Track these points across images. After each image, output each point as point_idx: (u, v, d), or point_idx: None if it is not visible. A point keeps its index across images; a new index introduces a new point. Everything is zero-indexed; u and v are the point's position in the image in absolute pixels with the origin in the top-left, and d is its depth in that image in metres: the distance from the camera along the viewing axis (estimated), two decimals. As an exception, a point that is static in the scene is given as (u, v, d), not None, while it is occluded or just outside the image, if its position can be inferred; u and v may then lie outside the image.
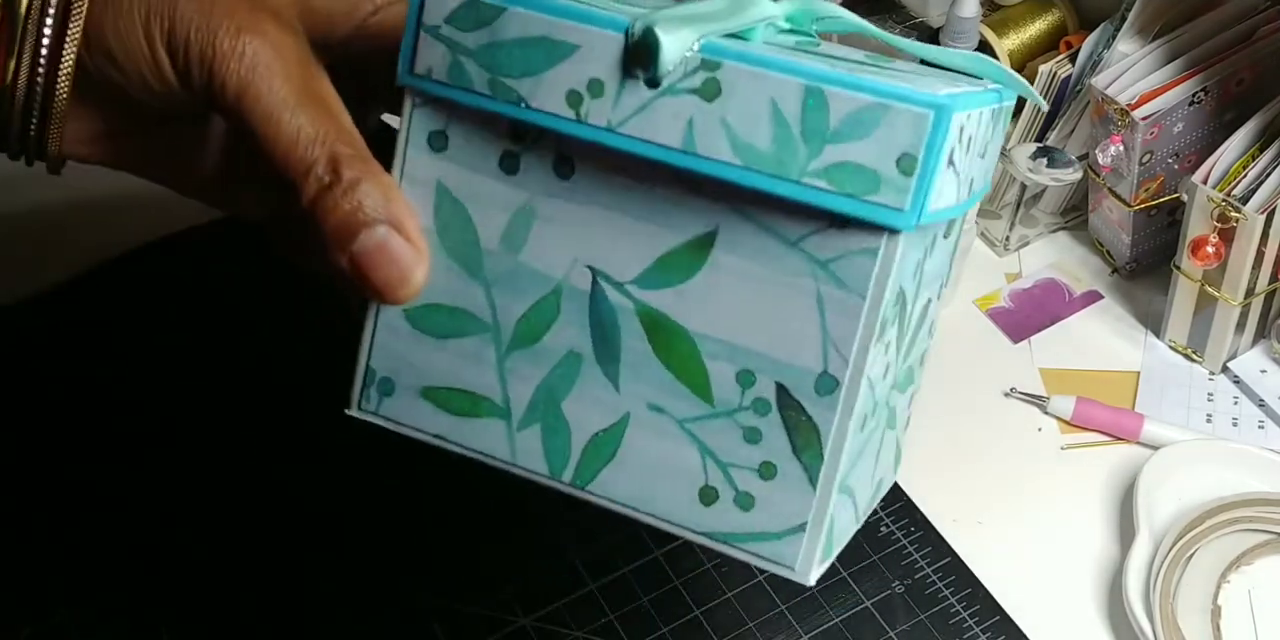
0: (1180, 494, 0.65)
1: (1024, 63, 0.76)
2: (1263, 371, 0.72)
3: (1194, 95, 0.67)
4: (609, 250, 0.37)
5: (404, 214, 0.37)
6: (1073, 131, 0.72)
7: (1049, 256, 0.78)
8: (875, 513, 0.66)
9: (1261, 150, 0.65)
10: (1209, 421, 0.70)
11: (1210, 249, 0.66)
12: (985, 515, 0.67)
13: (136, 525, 0.64)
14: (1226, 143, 0.66)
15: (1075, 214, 0.79)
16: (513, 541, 0.64)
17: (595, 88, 0.35)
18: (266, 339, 0.71)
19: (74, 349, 0.71)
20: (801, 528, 0.36)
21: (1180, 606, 0.61)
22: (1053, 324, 0.75)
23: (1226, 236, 0.65)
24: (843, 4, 0.80)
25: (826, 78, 0.33)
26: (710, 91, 0.34)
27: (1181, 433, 0.69)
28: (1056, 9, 0.77)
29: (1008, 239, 0.77)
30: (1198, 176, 0.65)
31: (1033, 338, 0.74)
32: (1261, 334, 0.73)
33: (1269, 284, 0.68)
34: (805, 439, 0.35)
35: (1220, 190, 0.64)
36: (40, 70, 0.36)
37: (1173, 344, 0.73)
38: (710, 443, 0.37)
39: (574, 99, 0.35)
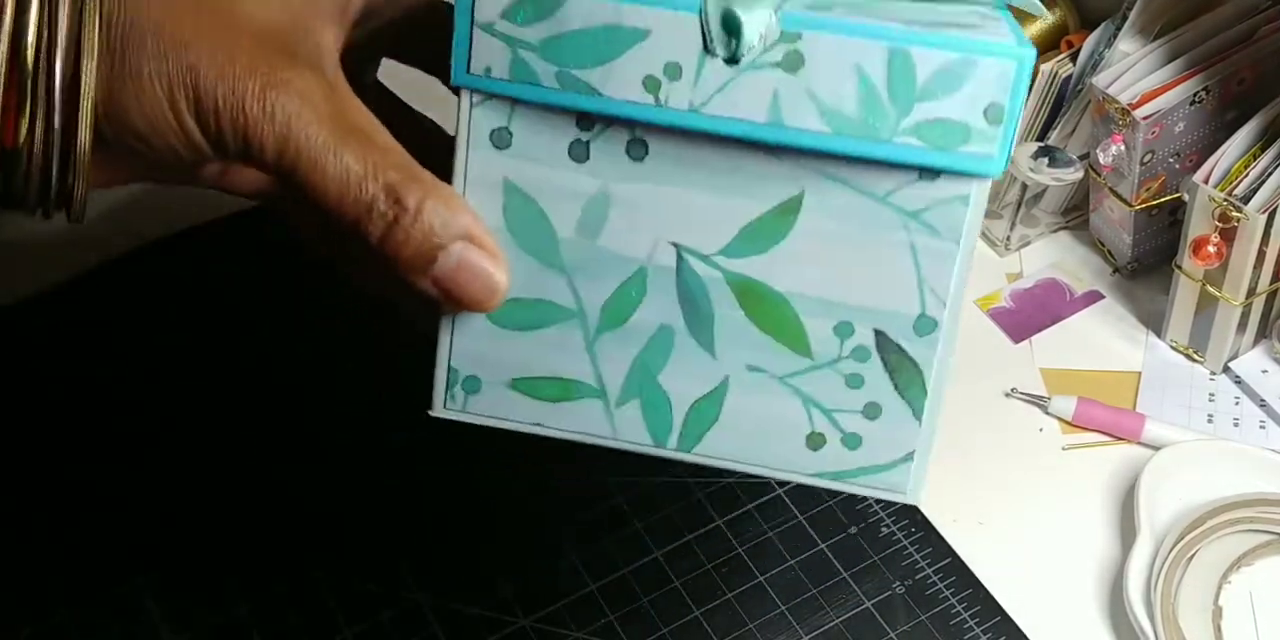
0: (1181, 494, 0.65)
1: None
2: (1264, 371, 0.72)
3: (1195, 95, 0.67)
4: (691, 225, 0.37)
5: (474, 224, 0.36)
6: (1074, 131, 0.72)
7: (1050, 256, 0.78)
8: (875, 513, 0.66)
9: (1263, 150, 0.65)
10: (1210, 422, 0.70)
11: (1211, 249, 0.66)
12: (986, 515, 0.67)
13: (136, 525, 0.64)
14: (1228, 142, 0.66)
15: (1076, 214, 0.79)
16: (513, 541, 0.64)
17: (672, 70, 0.35)
18: (266, 339, 0.71)
19: (74, 349, 0.71)
20: (909, 456, 0.39)
21: (1181, 607, 0.61)
22: (1054, 324, 0.75)
23: (1228, 236, 0.65)
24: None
25: (908, 38, 0.34)
26: (793, 63, 0.35)
27: (1183, 433, 0.68)
28: (1057, 8, 0.77)
29: (1008, 239, 0.77)
30: (1199, 176, 0.65)
31: (1034, 338, 0.74)
32: (1263, 334, 0.72)
33: (1270, 284, 0.68)
34: (907, 377, 0.38)
35: (1222, 190, 0.64)
36: (57, 122, 0.35)
37: (1174, 344, 0.73)
38: (813, 393, 0.38)
39: (651, 84, 0.35)
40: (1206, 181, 0.65)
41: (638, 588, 0.63)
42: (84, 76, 0.34)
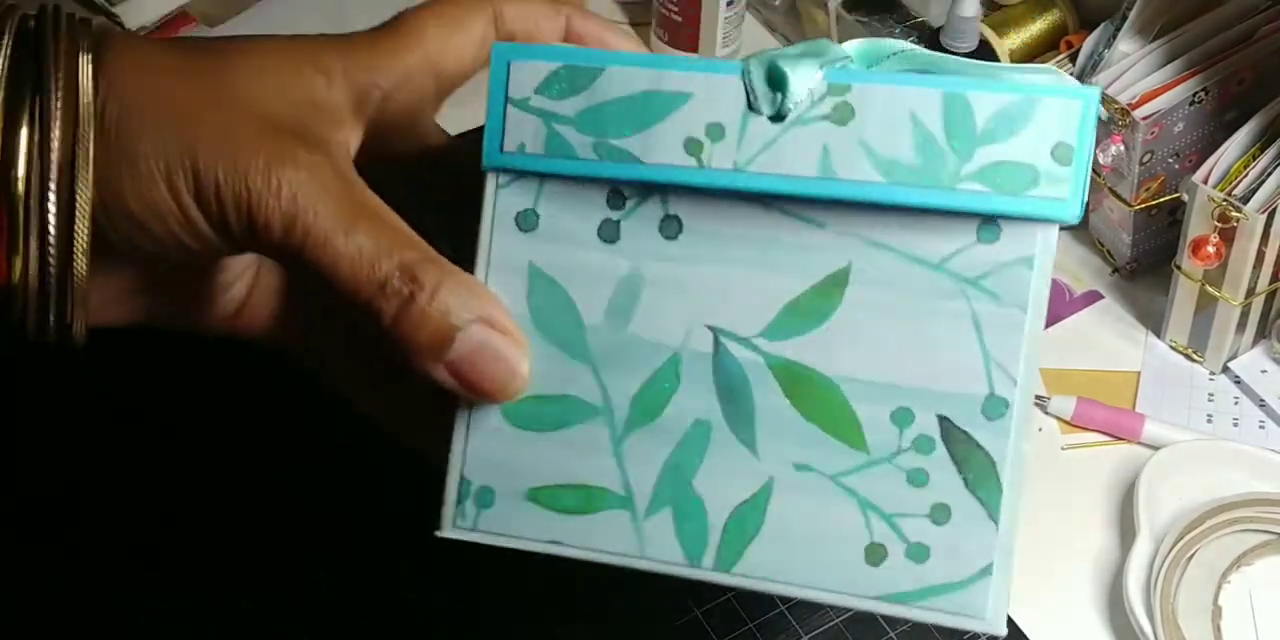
0: (1181, 494, 0.65)
1: (1024, 62, 0.76)
2: (1263, 371, 0.72)
3: (1195, 95, 0.67)
4: (729, 306, 0.34)
5: (494, 307, 0.34)
6: (1073, 131, 0.72)
7: (1049, 256, 0.78)
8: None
9: (1262, 150, 0.65)
10: (1209, 422, 0.70)
11: (1211, 249, 0.66)
12: (986, 515, 0.67)
13: (136, 525, 0.64)
14: (1227, 142, 0.66)
15: (1076, 214, 0.79)
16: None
17: (715, 132, 0.33)
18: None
19: (74, 350, 0.71)
20: (988, 569, 0.33)
21: (1181, 607, 0.61)
22: (1053, 324, 0.75)
23: (1227, 236, 0.65)
24: (843, 4, 0.80)
25: (963, 84, 0.32)
26: (843, 115, 0.33)
27: (1182, 433, 0.69)
28: (1057, 9, 0.77)
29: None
30: (1198, 176, 0.65)
31: (1033, 338, 0.74)
32: (1262, 334, 0.73)
33: (1269, 284, 0.68)
34: (979, 471, 0.33)
35: (1221, 190, 0.64)
36: (52, 256, 0.32)
37: (1173, 344, 0.73)
38: (870, 495, 0.33)
39: (694, 147, 0.34)
40: (1206, 181, 0.65)
41: (638, 588, 0.63)
42: (79, 196, 0.32)
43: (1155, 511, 0.64)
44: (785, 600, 0.63)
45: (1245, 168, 0.65)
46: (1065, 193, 0.32)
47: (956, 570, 0.33)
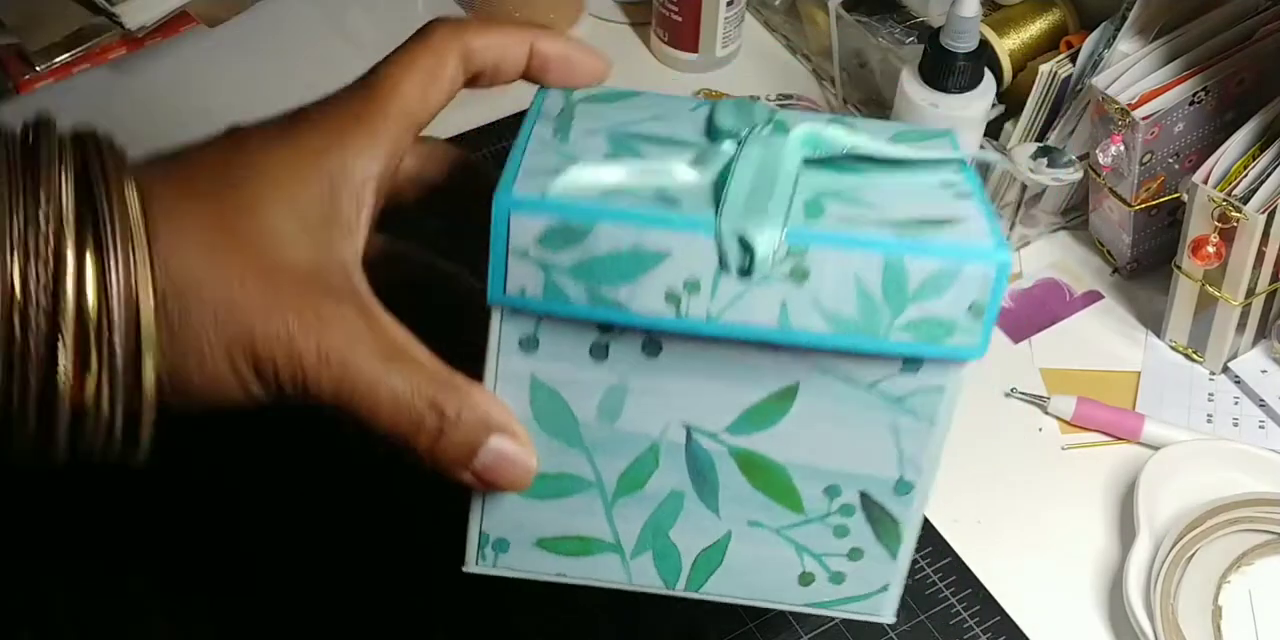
0: (1181, 494, 0.65)
1: (1024, 62, 0.76)
2: (1263, 371, 0.72)
3: (1194, 95, 0.67)
4: (700, 408, 0.41)
5: (505, 418, 0.40)
6: (1073, 131, 0.72)
7: (1049, 256, 0.78)
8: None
9: (1262, 150, 0.65)
10: (1210, 421, 0.70)
11: (1211, 249, 0.66)
12: (985, 515, 0.67)
13: (136, 525, 0.64)
14: (1227, 142, 0.66)
15: (1076, 214, 0.79)
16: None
17: (692, 285, 0.39)
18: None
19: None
20: (885, 588, 0.44)
21: (1181, 607, 0.61)
22: (1053, 324, 0.75)
23: (1227, 236, 0.65)
24: (843, 4, 0.80)
25: (901, 248, 0.38)
26: (800, 275, 0.38)
27: (1182, 433, 0.69)
28: (1057, 8, 0.77)
29: (1008, 239, 0.77)
30: (1198, 176, 0.65)
31: (1033, 338, 0.74)
32: (1262, 334, 0.73)
33: (1270, 284, 0.68)
34: (886, 529, 0.43)
35: (1221, 190, 0.64)
36: (119, 379, 0.36)
37: (1173, 344, 0.73)
38: (804, 541, 0.43)
39: (673, 298, 0.39)
40: (1206, 181, 0.65)
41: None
42: (144, 329, 0.35)
43: (1155, 511, 0.64)
44: (785, 600, 0.63)
45: (1245, 168, 0.65)
46: (975, 341, 0.40)
47: (863, 589, 0.44)
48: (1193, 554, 0.63)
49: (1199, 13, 0.70)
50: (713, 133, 0.42)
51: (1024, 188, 0.73)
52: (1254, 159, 0.65)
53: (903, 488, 0.43)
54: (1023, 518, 0.67)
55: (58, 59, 0.80)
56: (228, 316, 0.36)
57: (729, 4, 0.84)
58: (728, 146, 0.41)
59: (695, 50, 0.87)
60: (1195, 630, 0.61)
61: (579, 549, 0.43)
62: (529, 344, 0.41)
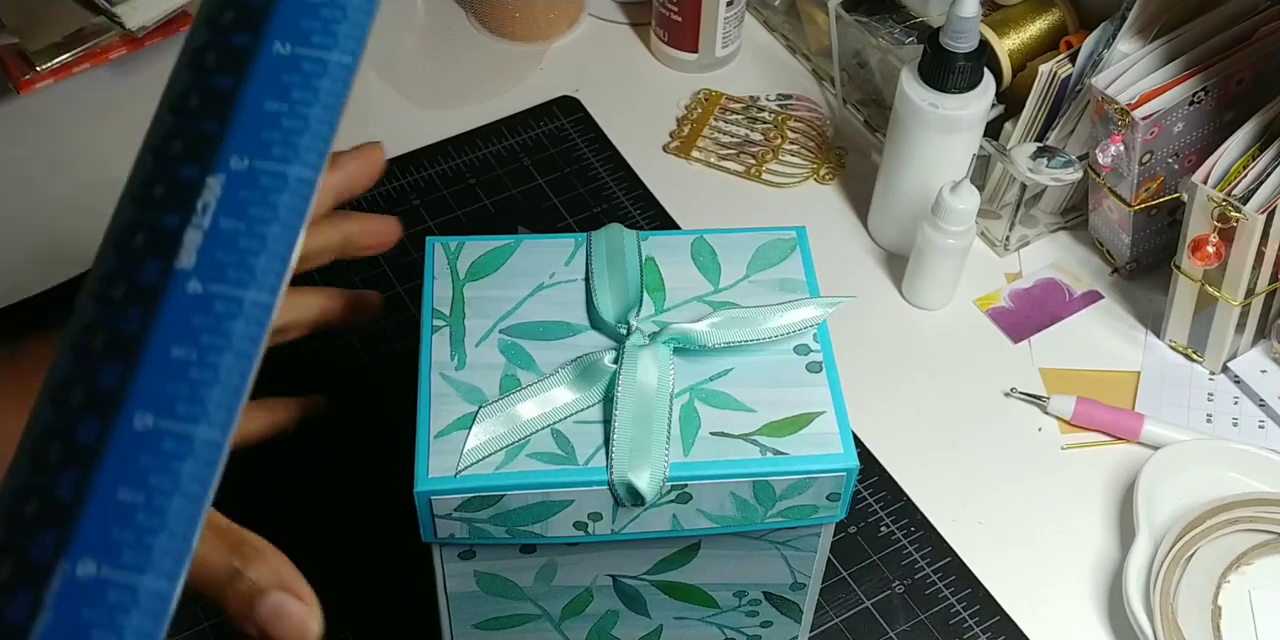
0: (1180, 494, 0.65)
1: (1024, 62, 0.76)
2: (1263, 371, 0.72)
3: (1194, 95, 0.67)
4: (621, 563, 0.51)
5: (291, 577, 0.42)
6: (1073, 131, 0.72)
7: (1049, 256, 0.78)
8: (875, 512, 0.66)
9: (1261, 150, 0.65)
10: (1209, 421, 0.70)
11: (1210, 249, 0.66)
12: (985, 515, 0.67)
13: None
14: (1227, 142, 0.66)
15: (1075, 214, 0.79)
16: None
17: (595, 516, 0.48)
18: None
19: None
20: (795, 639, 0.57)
21: (1180, 606, 0.61)
22: (1053, 324, 0.75)
23: (1227, 236, 0.65)
24: (843, 4, 0.80)
25: (765, 470, 0.47)
26: (684, 498, 0.47)
27: (1181, 433, 0.69)
28: (1057, 9, 0.77)
29: (1008, 239, 0.77)
30: (1198, 176, 0.65)
31: (1033, 338, 0.74)
32: (1262, 334, 0.73)
33: (1269, 284, 0.68)
34: (789, 609, 0.55)
35: (1220, 190, 0.64)
36: None
37: (1173, 344, 0.73)
38: (724, 622, 0.55)
39: (580, 525, 0.48)
40: (1205, 181, 0.65)
41: (637, 587, 0.63)
42: None
43: (1155, 511, 0.64)
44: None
45: (1244, 168, 0.65)
46: (836, 514, 0.50)
47: None
48: (1192, 553, 0.63)
49: (1198, 13, 0.70)
50: (594, 321, 0.51)
51: (1023, 188, 0.73)
52: (1253, 159, 0.65)
53: (797, 587, 0.54)
54: (1022, 518, 0.67)
55: (58, 59, 0.80)
56: None
57: (729, 4, 0.84)
58: (608, 361, 0.48)
59: (695, 50, 0.87)
60: (1195, 629, 0.61)
61: None
62: (467, 555, 0.50)
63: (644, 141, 0.83)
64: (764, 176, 0.82)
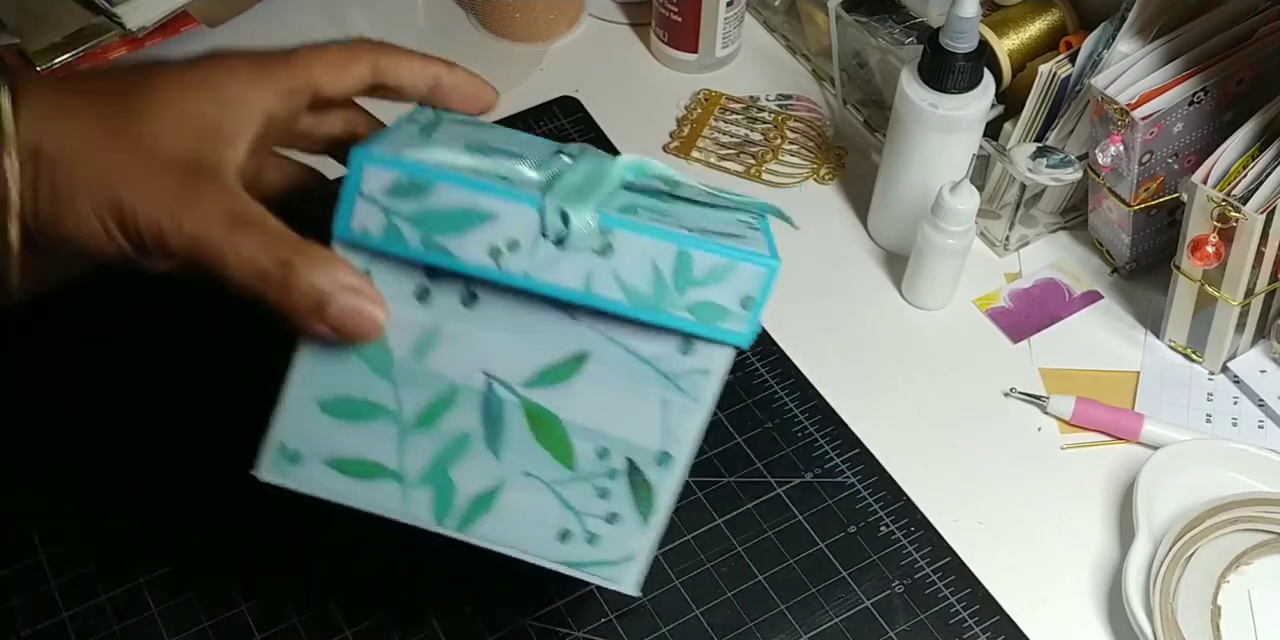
0: (1180, 494, 0.65)
1: (1024, 63, 0.76)
2: (1262, 371, 0.72)
3: (1194, 95, 0.67)
4: (502, 360, 0.47)
5: (353, 276, 0.45)
6: (1072, 131, 0.72)
7: (1049, 256, 0.78)
8: (875, 512, 0.66)
9: (1261, 150, 0.65)
10: (1209, 421, 0.71)
11: (1210, 249, 0.66)
12: (985, 515, 0.67)
13: (136, 525, 0.64)
14: (1226, 142, 0.66)
15: (1075, 214, 0.79)
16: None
17: (512, 245, 0.45)
18: (270, 338, 0.71)
19: (74, 350, 0.71)
20: (633, 557, 0.48)
21: (1180, 606, 0.61)
22: (1052, 324, 0.75)
23: (1226, 236, 0.65)
24: (843, 5, 0.80)
25: (691, 243, 0.45)
26: (605, 250, 0.45)
27: (1181, 433, 0.69)
28: (1056, 9, 0.77)
29: (1007, 239, 0.77)
30: (1197, 176, 0.65)
31: (1032, 338, 0.74)
32: (1261, 334, 0.73)
33: (1269, 284, 0.68)
34: (643, 496, 0.48)
35: (1220, 190, 0.64)
36: None
37: (1172, 344, 0.73)
38: (570, 498, 0.48)
39: (494, 253, 0.45)
40: (1205, 181, 0.65)
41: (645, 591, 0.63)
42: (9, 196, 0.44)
43: (1154, 511, 0.64)
44: (785, 599, 0.63)
45: (1244, 168, 0.65)
46: (743, 328, 0.46)
47: (613, 554, 0.48)
48: (1192, 553, 0.63)
49: (1198, 13, 0.70)
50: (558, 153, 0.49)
51: (1023, 188, 0.73)
52: (1253, 159, 0.65)
53: (664, 459, 0.48)
54: (1022, 517, 0.67)
55: (58, 59, 0.80)
56: (101, 186, 0.44)
57: (729, 4, 0.84)
58: (566, 159, 0.48)
59: (695, 50, 0.87)
60: (1194, 629, 0.61)
61: (365, 473, 0.48)
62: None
63: (644, 142, 0.83)
64: (764, 177, 0.82)
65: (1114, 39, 0.69)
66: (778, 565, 0.64)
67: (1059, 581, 0.64)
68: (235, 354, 0.71)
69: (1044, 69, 0.71)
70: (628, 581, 0.49)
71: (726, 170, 0.82)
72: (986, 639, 0.62)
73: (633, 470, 0.49)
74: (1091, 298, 0.76)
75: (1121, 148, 0.68)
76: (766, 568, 0.64)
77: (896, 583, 0.64)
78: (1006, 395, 0.72)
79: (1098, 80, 0.67)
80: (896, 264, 0.77)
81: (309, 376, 0.48)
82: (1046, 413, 0.71)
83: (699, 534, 0.65)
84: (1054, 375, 0.73)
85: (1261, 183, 0.64)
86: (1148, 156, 0.68)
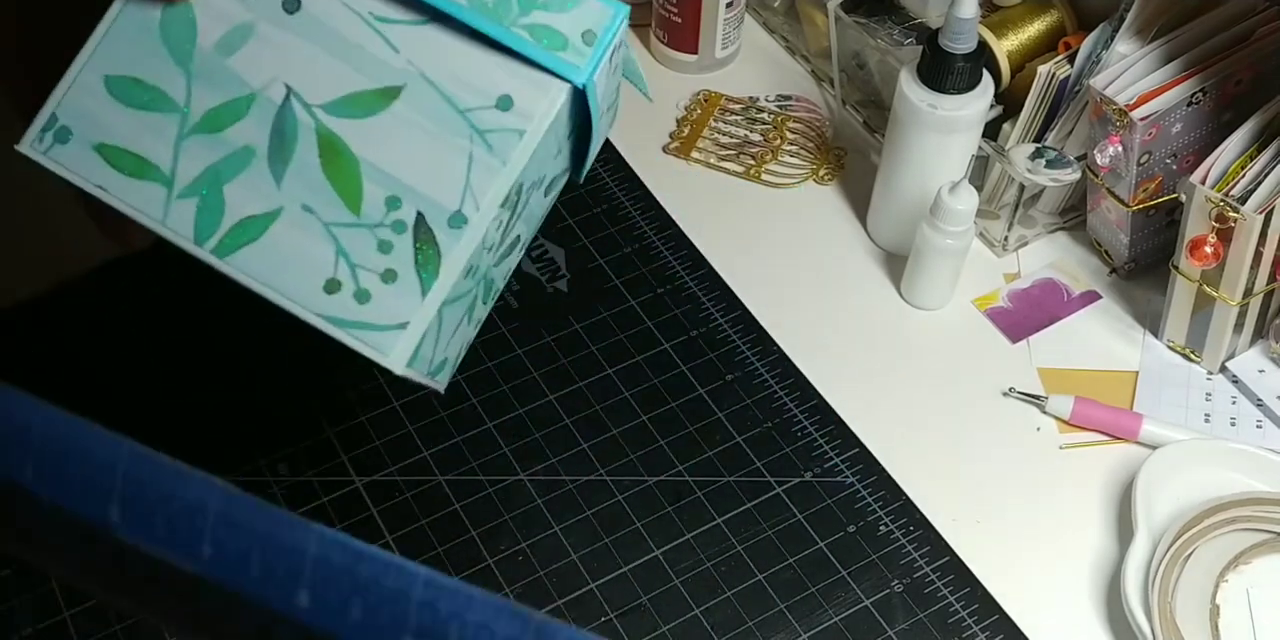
0: (1178, 493, 0.65)
1: (1023, 63, 0.76)
2: (1260, 371, 0.72)
3: (1192, 96, 0.67)
4: (308, 77, 0.44)
5: None
6: (1071, 132, 0.72)
7: (1047, 256, 0.78)
8: (874, 511, 0.66)
9: (1260, 150, 0.66)
10: (1207, 421, 0.71)
11: (1208, 249, 0.66)
12: (984, 515, 0.67)
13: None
14: (1225, 143, 0.66)
15: (1074, 214, 0.79)
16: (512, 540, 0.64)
17: None
18: (268, 338, 0.71)
19: (74, 350, 0.71)
20: (403, 326, 0.44)
21: (1179, 605, 0.61)
22: (1051, 324, 0.75)
23: (1225, 236, 0.65)
24: (842, 6, 0.80)
25: None
26: None
27: (1180, 432, 0.69)
28: (1055, 10, 0.77)
29: (1006, 239, 0.77)
30: (1196, 176, 0.65)
31: (1031, 338, 0.75)
32: (1259, 334, 0.73)
33: (1267, 284, 0.69)
34: (427, 257, 0.44)
35: (1218, 190, 0.65)
36: None
37: (1171, 344, 0.74)
38: (347, 245, 0.44)
39: None
40: (1203, 182, 0.65)
41: (637, 586, 0.63)
42: None
43: (1153, 511, 0.65)
44: (784, 599, 0.63)
45: (1243, 168, 0.65)
46: (582, 63, 0.44)
47: (382, 318, 0.44)
48: (1190, 553, 0.63)
49: (1197, 14, 0.70)
50: None
51: (1022, 188, 0.73)
52: (1251, 159, 0.65)
53: (457, 220, 0.44)
54: (1021, 517, 0.67)
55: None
56: None
57: (728, 5, 0.84)
58: None
59: (695, 51, 0.87)
60: (1193, 629, 0.61)
61: (133, 168, 0.44)
62: None
63: (643, 142, 0.84)
64: (763, 177, 0.82)
65: (1113, 40, 0.69)
66: (777, 565, 0.64)
67: (1058, 580, 0.65)
68: (235, 354, 0.71)
69: (1043, 70, 0.72)
70: (394, 352, 0.43)
71: (726, 171, 0.82)
72: (985, 638, 0.62)
73: (421, 226, 0.44)
74: (1090, 298, 0.76)
75: (1120, 148, 0.68)
76: (766, 567, 0.64)
77: (896, 582, 0.64)
78: (1005, 395, 0.72)
79: (1096, 81, 0.68)
80: (896, 264, 0.77)
81: (104, 49, 0.44)
82: (1045, 412, 0.71)
83: (699, 533, 0.65)
84: (1053, 375, 0.73)
85: (1260, 183, 0.64)
86: (1146, 157, 0.68)
